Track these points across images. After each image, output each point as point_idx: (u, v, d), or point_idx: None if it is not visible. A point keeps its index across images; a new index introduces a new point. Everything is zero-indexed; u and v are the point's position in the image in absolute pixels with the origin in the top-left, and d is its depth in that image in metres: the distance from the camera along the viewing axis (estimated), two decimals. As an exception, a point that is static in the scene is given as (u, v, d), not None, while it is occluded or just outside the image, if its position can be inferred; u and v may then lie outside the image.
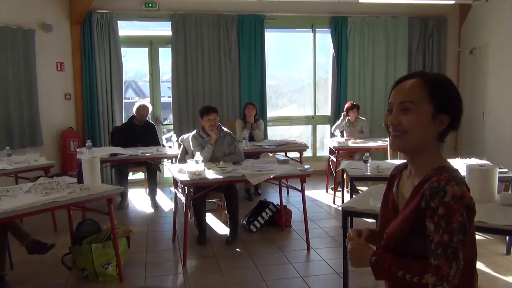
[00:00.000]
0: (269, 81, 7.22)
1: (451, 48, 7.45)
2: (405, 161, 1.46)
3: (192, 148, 4.60)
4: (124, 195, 5.65)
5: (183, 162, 4.64)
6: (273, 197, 5.94)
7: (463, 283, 1.32)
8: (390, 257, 1.34)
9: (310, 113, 7.63)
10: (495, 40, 6.15)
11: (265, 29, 6.99)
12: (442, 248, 1.23)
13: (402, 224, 1.33)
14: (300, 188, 4.75)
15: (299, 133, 7.86)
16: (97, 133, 6.51)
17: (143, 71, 8.15)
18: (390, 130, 1.38)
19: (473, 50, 6.85)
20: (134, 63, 6.80)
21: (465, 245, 1.25)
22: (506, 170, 3.89)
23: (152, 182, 5.82)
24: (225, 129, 4.71)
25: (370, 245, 1.53)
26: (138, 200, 6.06)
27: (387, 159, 5.46)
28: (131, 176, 6.13)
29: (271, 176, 3.99)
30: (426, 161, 1.35)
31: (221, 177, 3.96)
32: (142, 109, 5.83)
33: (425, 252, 1.28)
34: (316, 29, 7.33)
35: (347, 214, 3.01)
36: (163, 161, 5.76)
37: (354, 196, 4.22)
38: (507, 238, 3.98)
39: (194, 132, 4.65)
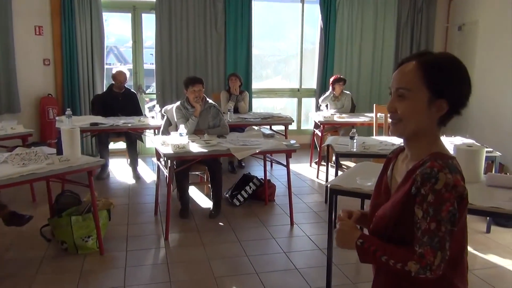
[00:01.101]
0: (254, 51, 7.06)
1: (440, 23, 7.38)
2: (402, 144, 1.41)
3: (175, 120, 4.50)
4: (104, 166, 5.53)
5: (166, 134, 4.54)
6: (257, 171, 5.91)
7: (452, 274, 1.29)
8: (376, 241, 1.31)
9: (295, 86, 7.53)
10: (484, 16, 6.09)
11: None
12: (428, 236, 1.19)
13: (392, 208, 1.30)
14: (284, 163, 4.73)
15: (284, 106, 7.77)
16: (77, 100, 6.32)
17: (125, 37, 7.89)
18: (389, 116, 1.34)
19: (461, 26, 6.79)
20: (115, 28, 6.54)
21: (453, 236, 1.21)
22: (491, 149, 3.89)
23: (133, 153, 5.71)
24: (210, 101, 4.60)
25: (360, 227, 1.52)
26: (119, 170, 5.96)
27: (372, 135, 5.43)
28: (112, 146, 5.99)
29: (257, 151, 3.92)
30: (423, 146, 1.31)
31: (206, 150, 3.88)
32: (119, 75, 5.64)
33: (412, 239, 1.24)
34: (305, 0, 7.16)
35: (333, 193, 2.97)
36: (145, 132, 5.64)
37: (339, 172, 4.22)
38: (487, 217, 4.02)
39: (178, 103, 4.53)
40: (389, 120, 1.35)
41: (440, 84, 1.25)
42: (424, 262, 1.19)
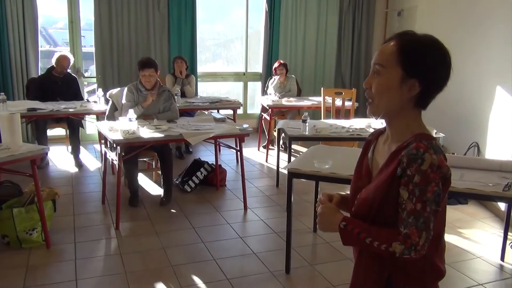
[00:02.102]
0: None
1: (380, 9, 7.56)
2: (383, 126, 1.40)
3: (122, 102, 4.30)
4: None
5: (112, 119, 4.35)
6: (205, 156, 5.84)
7: (433, 254, 1.31)
8: (360, 223, 1.30)
9: (241, 69, 7.47)
10: (422, 2, 6.30)
11: (197, -21, 6.62)
12: (414, 216, 1.20)
13: (376, 190, 1.29)
14: (235, 147, 4.69)
15: (228, 90, 7.69)
16: (9, 85, 5.87)
17: (53, 17, 7.45)
18: (366, 95, 1.34)
19: (401, 12, 6.99)
20: (43, 8, 6.10)
21: (436, 216, 1.22)
22: (435, 130, 4.05)
23: (75, 139, 5.41)
24: (164, 85, 4.47)
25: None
26: (60, 158, 5.65)
27: (320, 119, 5.50)
28: (50, 132, 5.65)
29: (211, 136, 3.84)
30: (404, 127, 1.30)
31: (157, 136, 3.74)
32: (63, 60, 5.33)
33: (395, 221, 1.24)
34: (250, -17, 7.08)
35: (292, 176, 2.97)
36: (85, 117, 5.37)
37: (292, 156, 4.24)
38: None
39: (132, 84, 4.33)
40: (366, 97, 1.34)
41: (413, 64, 1.24)
42: (409, 242, 1.19)
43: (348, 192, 1.51)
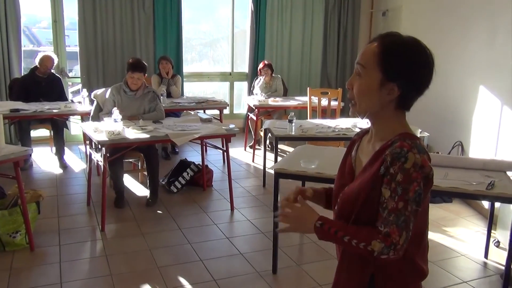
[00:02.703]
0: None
1: (365, 9, 7.61)
2: (367, 126, 1.41)
3: (105, 100, 4.26)
4: (27, 155, 5.13)
5: (97, 120, 4.30)
6: (192, 156, 5.81)
7: (414, 253, 1.31)
8: (336, 222, 1.30)
9: (227, 69, 7.46)
10: (407, 2, 6.35)
11: (182, -21, 6.59)
12: (395, 215, 1.19)
13: (359, 189, 1.29)
14: (221, 147, 4.69)
15: (214, 90, 7.67)
16: (-9, 85, 5.79)
17: (36, 17, 7.34)
18: (348, 96, 1.36)
19: (385, 12, 7.04)
20: (26, 7, 6.02)
21: (417, 216, 1.22)
22: (419, 130, 4.08)
23: (59, 140, 5.35)
24: (149, 86, 4.45)
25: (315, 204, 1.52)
26: (43, 159, 5.58)
27: (306, 118, 5.51)
28: (34, 133, 5.57)
29: (197, 136, 3.83)
30: (386, 126, 1.31)
31: (143, 137, 3.72)
32: (47, 60, 5.26)
33: (372, 220, 1.25)
34: (235, -18, 7.08)
35: (278, 176, 2.97)
36: (70, 118, 5.31)
37: (278, 156, 4.24)
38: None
39: (114, 86, 4.29)
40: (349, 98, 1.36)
41: (393, 67, 1.24)
42: (389, 241, 1.19)
43: (323, 187, 1.55)
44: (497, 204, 3.48)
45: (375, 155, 1.29)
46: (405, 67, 1.24)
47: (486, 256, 3.41)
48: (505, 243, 3.49)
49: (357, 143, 1.45)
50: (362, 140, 1.43)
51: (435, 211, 4.23)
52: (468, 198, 3.81)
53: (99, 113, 4.38)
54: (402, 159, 1.20)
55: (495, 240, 3.59)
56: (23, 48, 6.09)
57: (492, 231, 3.47)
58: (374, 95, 1.27)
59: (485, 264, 3.34)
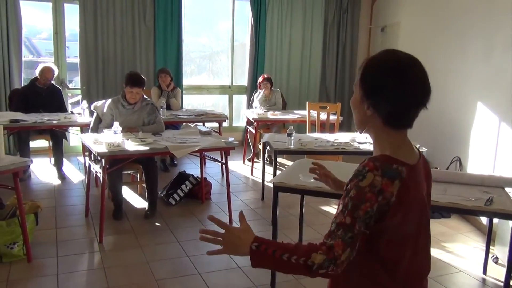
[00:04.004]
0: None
1: (364, 24, 7.69)
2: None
3: (103, 112, 4.27)
4: (25, 166, 5.12)
5: (96, 132, 4.31)
6: (190, 168, 5.82)
7: (387, 280, 1.27)
8: (274, 242, 1.24)
9: (226, 82, 7.49)
10: (405, 18, 6.43)
11: (183, -8, 6.66)
12: (343, 229, 1.16)
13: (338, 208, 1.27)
14: (220, 160, 4.69)
15: (213, 103, 7.70)
16: (-8, 95, 5.81)
17: (37, 27, 7.38)
18: None
19: (384, 28, 7.11)
20: (27, 18, 6.05)
21: (363, 238, 1.19)
22: (418, 145, 4.10)
23: (58, 152, 5.35)
24: (148, 98, 4.46)
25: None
26: (42, 170, 5.57)
27: (305, 132, 5.53)
28: (33, 144, 5.57)
29: (196, 149, 3.84)
30: (377, 144, 1.32)
31: (142, 149, 3.72)
32: (47, 71, 5.28)
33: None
34: (235, -3, 7.15)
35: (278, 190, 2.97)
36: (69, 129, 5.32)
37: (277, 169, 4.25)
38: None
39: (112, 100, 4.30)
40: None
41: (366, 85, 1.27)
42: (331, 254, 1.15)
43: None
44: (495, 220, 3.48)
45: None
46: (376, 85, 1.25)
47: (484, 272, 3.40)
48: (503, 260, 3.49)
49: None
50: None
51: (434, 226, 4.22)
52: (467, 214, 3.81)
53: (98, 125, 4.39)
54: (360, 177, 1.19)
55: (493, 256, 3.59)
56: (23, 59, 6.12)
57: (491, 247, 3.47)
58: (358, 110, 1.32)
59: (483, 280, 3.34)
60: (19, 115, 4.85)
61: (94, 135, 4.09)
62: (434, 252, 3.71)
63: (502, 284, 2.90)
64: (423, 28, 5.79)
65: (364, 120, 1.31)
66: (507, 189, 2.87)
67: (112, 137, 3.74)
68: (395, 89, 1.22)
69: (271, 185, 3.05)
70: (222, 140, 4.12)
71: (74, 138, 6.08)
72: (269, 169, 5.35)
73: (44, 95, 5.33)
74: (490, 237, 3.40)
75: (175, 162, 6.11)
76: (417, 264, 1.33)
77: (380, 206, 1.18)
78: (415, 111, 1.26)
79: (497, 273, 3.40)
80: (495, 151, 4.21)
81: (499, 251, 3.57)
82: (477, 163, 4.47)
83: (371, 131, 1.32)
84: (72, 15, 6.33)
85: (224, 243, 1.28)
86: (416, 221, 1.28)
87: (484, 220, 4.08)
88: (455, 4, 5.07)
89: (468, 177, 3.05)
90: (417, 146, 4.01)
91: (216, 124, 5.77)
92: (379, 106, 1.25)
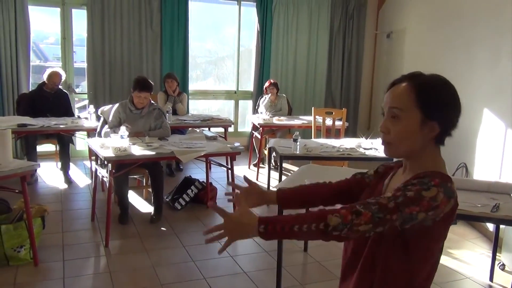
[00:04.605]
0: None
1: (370, 30, 7.70)
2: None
3: (110, 117, 4.30)
4: (32, 170, 5.16)
5: (101, 135, 4.34)
6: (196, 173, 5.83)
7: None
8: (279, 217, 1.22)
9: (232, 88, 7.52)
10: (411, 24, 6.44)
11: (189, -1, 6.71)
12: (379, 207, 1.16)
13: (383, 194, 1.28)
14: (226, 165, 4.70)
15: (219, 108, 7.72)
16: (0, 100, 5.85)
17: (43, 32, 7.45)
18: (381, 138, 1.33)
19: (390, 34, 7.12)
20: (35, 23, 6.12)
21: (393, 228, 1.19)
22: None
23: (65, 156, 5.38)
24: (155, 103, 4.49)
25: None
26: (49, 174, 5.60)
27: (311, 138, 5.54)
28: (39, 148, 5.61)
29: (202, 154, 3.85)
30: (422, 163, 1.29)
31: (148, 153, 3.74)
32: (54, 76, 5.32)
33: (382, 239, 1.25)
34: (242, 2, 7.17)
35: (283, 195, 2.97)
36: (76, 134, 5.36)
37: (283, 175, 4.25)
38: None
39: (120, 103, 4.33)
40: (382, 140, 1.33)
41: (432, 107, 1.25)
42: (349, 219, 1.14)
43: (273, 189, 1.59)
44: (502, 227, 3.46)
45: (405, 183, 1.27)
46: (442, 105, 1.26)
47: (491, 279, 3.38)
48: (510, 266, 3.48)
49: (393, 172, 1.44)
50: (398, 171, 1.42)
51: (440, 232, 4.22)
52: (473, 220, 3.79)
53: (102, 127, 4.41)
54: (425, 186, 1.19)
55: (500, 263, 3.57)
56: (31, 64, 6.17)
57: (497, 254, 3.46)
58: (416, 135, 1.26)
59: (490, 287, 3.32)
60: (26, 120, 4.89)
61: (101, 139, 4.12)
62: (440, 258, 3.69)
63: (509, 291, 2.89)
64: (429, 35, 5.79)
65: (421, 143, 1.27)
66: (513, 196, 2.86)
67: (119, 142, 3.76)
68: (456, 105, 1.28)
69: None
70: (228, 145, 4.14)
71: (81, 142, 6.11)
72: (274, 175, 5.35)
73: (51, 100, 5.36)
74: (496, 244, 3.39)
75: (181, 167, 6.13)
76: (430, 280, 1.34)
77: (425, 219, 1.17)
78: None
79: (504, 280, 3.38)
80: (502, 157, 4.20)
81: (506, 257, 3.55)
82: (484, 170, 4.46)
83: (421, 154, 1.29)
84: (80, 20, 6.39)
85: (228, 233, 1.27)
86: (444, 238, 1.30)
87: (490, 226, 4.06)
88: (461, 11, 5.07)
89: (474, 184, 3.04)
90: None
91: (221, 129, 5.79)
92: (445, 126, 1.27)
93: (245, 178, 1.62)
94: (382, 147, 1.34)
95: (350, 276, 1.39)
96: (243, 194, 1.56)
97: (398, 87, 1.30)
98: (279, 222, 1.20)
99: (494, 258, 3.41)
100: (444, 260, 3.68)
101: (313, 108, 5.80)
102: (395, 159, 1.41)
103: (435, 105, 1.26)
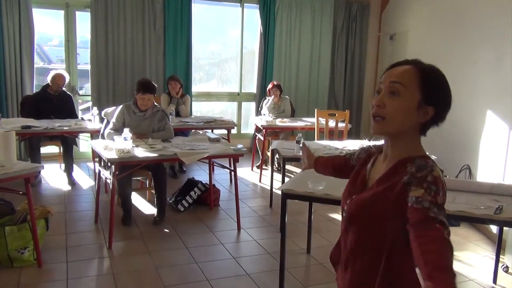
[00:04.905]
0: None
1: (373, 32, 7.70)
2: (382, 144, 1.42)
3: (112, 119, 4.31)
4: (36, 171, 5.18)
5: (104, 136, 4.35)
6: (199, 175, 5.84)
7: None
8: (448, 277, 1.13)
9: (235, 89, 7.53)
10: (413, 26, 6.43)
11: (193, 1, 6.71)
12: (437, 208, 1.16)
13: (372, 200, 1.31)
14: (228, 167, 4.70)
15: (222, 110, 7.73)
16: (4, 102, 5.87)
17: (48, 34, 7.48)
18: (373, 112, 1.32)
19: (393, 36, 7.12)
20: (39, 25, 6.14)
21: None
22: (434, 157, 4.09)
23: (68, 158, 5.40)
24: (158, 105, 4.50)
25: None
26: (52, 176, 5.62)
27: (314, 140, 5.54)
28: (43, 150, 5.63)
29: (205, 156, 3.86)
30: (404, 149, 1.32)
31: (152, 155, 3.75)
32: (58, 78, 5.35)
33: (380, 231, 1.27)
34: (245, 4, 7.19)
35: (286, 197, 2.98)
36: (79, 135, 5.38)
37: (286, 177, 4.26)
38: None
39: (125, 105, 4.34)
40: (372, 115, 1.32)
41: (432, 92, 1.28)
42: (447, 231, 1.13)
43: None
44: (505, 229, 3.46)
45: (392, 168, 1.30)
46: (441, 92, 1.30)
47: (494, 281, 3.38)
48: (513, 269, 3.47)
49: (374, 158, 1.46)
50: (378, 158, 1.45)
51: (443, 234, 4.21)
52: (476, 222, 3.78)
53: (106, 128, 4.42)
54: (429, 168, 1.22)
55: (503, 265, 3.56)
56: (35, 66, 6.20)
57: (501, 256, 3.45)
58: (411, 115, 1.28)
59: (493, 289, 3.31)
60: (30, 122, 4.91)
61: (104, 141, 4.13)
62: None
63: (512, 294, 2.88)
64: (432, 36, 5.79)
65: (411, 124, 1.29)
66: (517, 198, 2.86)
67: (122, 144, 3.77)
68: (450, 98, 1.31)
69: (279, 192, 3.05)
70: (231, 147, 4.14)
71: (84, 144, 6.14)
72: (277, 176, 5.35)
73: (55, 102, 5.39)
74: (500, 246, 3.38)
75: (184, 169, 6.14)
76: None
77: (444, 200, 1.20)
78: None
79: (507, 282, 3.38)
80: (505, 159, 4.19)
81: (509, 260, 3.54)
82: (487, 172, 4.45)
83: (405, 137, 1.32)
84: (83, 22, 6.41)
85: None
86: None
87: (494, 228, 4.05)
88: (464, 12, 5.07)
89: (477, 185, 3.03)
90: (426, 153, 4.01)
91: (224, 131, 5.79)
92: (439, 113, 1.30)
93: (304, 144, 2.07)
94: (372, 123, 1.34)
95: (351, 267, 1.41)
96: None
97: (401, 67, 1.32)
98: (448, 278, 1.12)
99: (497, 260, 3.40)
100: (447, 262, 3.67)
101: (316, 109, 5.81)
102: (373, 143, 1.47)
103: (435, 91, 1.29)
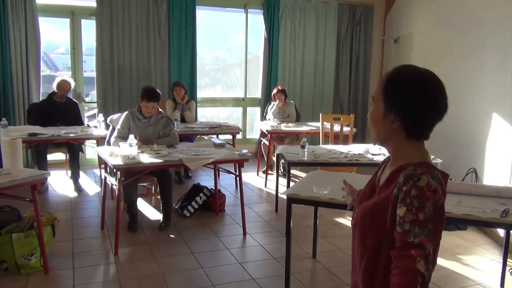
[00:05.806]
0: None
1: (377, 36, 7.70)
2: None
3: (117, 126, 4.33)
4: (43, 178, 5.21)
5: (109, 143, 4.37)
6: (204, 180, 5.85)
7: None
8: None
9: (240, 95, 7.55)
10: (418, 30, 6.43)
11: (197, 7, 6.75)
12: (418, 226, 1.16)
13: (372, 207, 1.33)
14: (234, 172, 4.72)
15: (227, 115, 7.75)
16: (11, 110, 5.92)
17: (55, 42, 7.55)
18: None
19: (397, 39, 7.12)
20: (45, 33, 6.21)
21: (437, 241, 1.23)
22: (432, 156, 4.08)
23: (75, 164, 5.43)
24: (163, 111, 4.52)
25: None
26: (59, 183, 5.65)
27: (319, 144, 5.54)
28: (50, 157, 5.66)
29: (210, 161, 3.87)
30: (400, 154, 1.34)
31: (157, 161, 3.77)
32: (64, 84, 5.39)
33: (383, 246, 1.27)
34: (249, 9, 7.22)
35: (291, 201, 2.98)
36: (85, 142, 5.41)
37: (291, 181, 4.25)
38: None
39: (130, 111, 4.37)
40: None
41: (393, 100, 1.30)
42: (424, 253, 1.13)
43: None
44: (512, 232, 3.43)
45: (389, 177, 1.33)
46: (404, 100, 1.29)
47: (502, 285, 3.35)
48: (521, 272, 3.44)
49: (384, 164, 1.49)
50: (388, 164, 1.46)
51: (450, 238, 4.19)
52: (482, 225, 3.76)
53: (111, 135, 4.45)
54: (415, 178, 1.21)
55: (511, 269, 3.53)
56: (41, 73, 6.25)
57: (508, 259, 3.42)
58: (380, 124, 1.35)
59: (501, 293, 3.29)
60: (37, 129, 4.95)
61: (110, 148, 4.15)
62: (450, 264, 3.67)
63: (520, 297, 2.86)
64: (436, 40, 5.78)
65: (389, 133, 1.34)
66: (523, 201, 2.84)
67: (128, 150, 3.79)
68: (421, 103, 1.27)
69: (284, 197, 3.06)
70: (236, 152, 4.15)
71: (90, 151, 6.18)
72: (282, 181, 5.35)
73: (61, 109, 5.43)
74: (507, 250, 3.36)
75: (190, 174, 6.15)
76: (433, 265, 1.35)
77: (435, 205, 1.20)
78: (436, 123, 1.33)
79: (515, 286, 3.35)
80: (511, 162, 4.16)
81: (517, 263, 3.52)
82: (493, 175, 4.42)
83: (392, 144, 1.36)
84: (89, 30, 6.46)
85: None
86: (442, 228, 1.31)
87: (501, 232, 4.02)
88: (469, 15, 5.06)
89: (483, 189, 3.02)
90: (432, 157, 4.00)
91: (230, 136, 5.81)
92: (406, 120, 1.30)
93: (344, 182, 1.90)
94: None
95: (359, 265, 1.41)
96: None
97: (382, 78, 1.38)
98: None
99: (504, 264, 3.38)
100: (454, 266, 3.65)
101: (321, 114, 5.81)
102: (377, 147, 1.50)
103: (392, 98, 1.31)
